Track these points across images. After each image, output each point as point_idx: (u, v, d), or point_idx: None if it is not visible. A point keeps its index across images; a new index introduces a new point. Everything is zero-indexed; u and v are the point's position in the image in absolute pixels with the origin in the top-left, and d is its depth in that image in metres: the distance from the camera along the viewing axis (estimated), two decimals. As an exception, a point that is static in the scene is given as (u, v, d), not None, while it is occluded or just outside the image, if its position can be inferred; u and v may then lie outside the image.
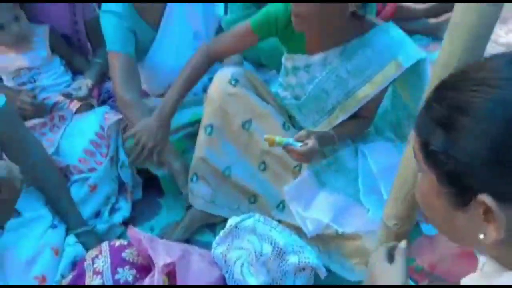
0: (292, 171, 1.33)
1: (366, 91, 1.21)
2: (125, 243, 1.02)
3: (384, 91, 1.23)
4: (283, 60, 1.34)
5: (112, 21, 1.36)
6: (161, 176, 1.44)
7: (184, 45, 1.51)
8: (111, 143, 1.39)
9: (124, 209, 1.38)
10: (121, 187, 1.42)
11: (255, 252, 1.11)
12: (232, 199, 1.36)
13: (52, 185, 1.25)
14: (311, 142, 1.13)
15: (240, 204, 1.36)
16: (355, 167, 1.33)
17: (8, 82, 1.51)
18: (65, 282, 1.01)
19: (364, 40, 1.16)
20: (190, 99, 1.51)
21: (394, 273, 0.74)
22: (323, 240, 1.27)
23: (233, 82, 1.25)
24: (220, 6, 1.69)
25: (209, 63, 1.33)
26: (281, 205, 1.35)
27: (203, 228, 1.38)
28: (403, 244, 0.79)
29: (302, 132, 1.16)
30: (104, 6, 1.39)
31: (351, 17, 1.11)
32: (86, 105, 1.50)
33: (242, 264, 1.11)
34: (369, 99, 1.22)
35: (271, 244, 1.12)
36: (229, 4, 1.97)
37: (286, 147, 1.13)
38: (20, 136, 1.20)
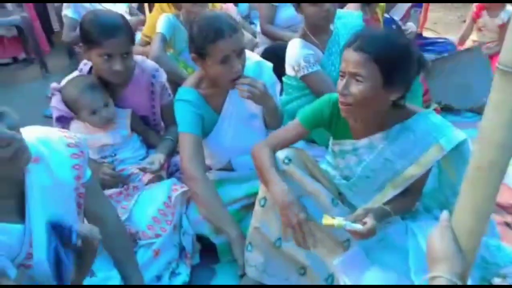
0: (342, 245, 1.40)
1: (413, 171, 1.30)
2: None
3: (429, 170, 1.31)
4: (330, 144, 1.48)
5: (184, 107, 1.60)
6: (218, 243, 1.56)
7: (241, 125, 1.71)
8: (175, 212, 1.55)
9: (184, 274, 1.50)
10: (181, 253, 1.55)
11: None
12: (282, 270, 1.43)
13: (122, 250, 1.37)
14: (370, 221, 1.21)
15: (290, 275, 1.42)
16: (404, 245, 1.37)
17: (92, 155, 1.76)
18: None
19: (406, 125, 1.28)
20: (248, 173, 1.67)
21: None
22: (372, 315, 1.29)
23: (286, 161, 1.37)
24: (275, 87, 1.90)
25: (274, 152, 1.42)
26: (330, 278, 1.40)
27: (255, 296, 1.45)
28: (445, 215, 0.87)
29: (360, 211, 1.25)
30: (179, 95, 1.64)
31: (393, 105, 1.24)
32: (157, 177, 1.70)
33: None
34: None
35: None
36: (284, 86, 2.18)
37: (348, 230, 1.22)
38: (101, 205, 1.35)
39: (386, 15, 2.81)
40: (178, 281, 1.47)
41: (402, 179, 1.31)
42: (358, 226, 1.21)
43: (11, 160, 0.96)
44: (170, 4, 2.65)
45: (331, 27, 2.03)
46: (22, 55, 3.96)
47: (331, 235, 1.38)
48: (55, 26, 4.26)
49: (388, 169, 1.33)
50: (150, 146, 1.87)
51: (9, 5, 3.64)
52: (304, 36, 2.01)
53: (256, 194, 1.46)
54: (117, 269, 1.36)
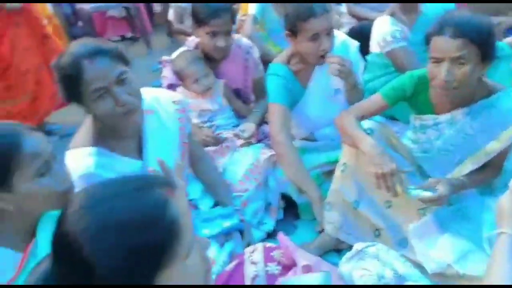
0: (416, 212, 1.49)
1: (494, 146, 1.35)
2: (274, 245, 1.32)
3: (510, 146, 1.34)
4: (411, 119, 1.56)
5: (275, 80, 1.79)
6: (300, 203, 1.75)
7: (326, 99, 1.85)
8: (262, 172, 1.76)
9: (269, 224, 1.72)
10: (268, 207, 1.77)
11: (377, 275, 1.30)
12: (358, 230, 1.57)
13: (217, 179, 1.68)
14: (441, 188, 1.30)
15: (366, 235, 1.56)
16: (479, 217, 1.42)
17: (193, 119, 2.05)
18: (228, 268, 1.35)
19: (489, 102, 1.33)
20: (329, 143, 1.82)
21: None
22: (443, 278, 1.38)
23: (368, 131, 1.48)
24: (359, 65, 1.99)
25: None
26: (404, 242, 1.51)
27: (331, 251, 1.62)
28: None
29: (431, 180, 1.34)
30: (270, 70, 1.83)
31: (479, 81, 1.30)
32: (248, 143, 1.93)
33: (365, 282, 1.31)
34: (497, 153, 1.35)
35: (392, 270, 1.29)
36: (367, 64, 2.26)
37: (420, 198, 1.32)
38: (198, 148, 1.70)
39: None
40: (264, 228, 1.70)
41: (482, 154, 1.37)
42: (426, 194, 1.29)
43: (126, 114, 1.25)
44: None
45: (421, 6, 2.05)
46: (128, 34, 4.47)
47: (409, 202, 1.48)
48: (156, 7, 4.70)
49: (469, 144, 1.39)
50: (239, 116, 2.10)
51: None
52: (392, 14, 2.06)
53: (335, 162, 1.62)
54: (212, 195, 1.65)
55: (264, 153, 1.81)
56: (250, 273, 1.25)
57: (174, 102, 1.52)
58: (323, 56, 1.65)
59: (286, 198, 1.82)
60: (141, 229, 0.61)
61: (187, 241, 0.66)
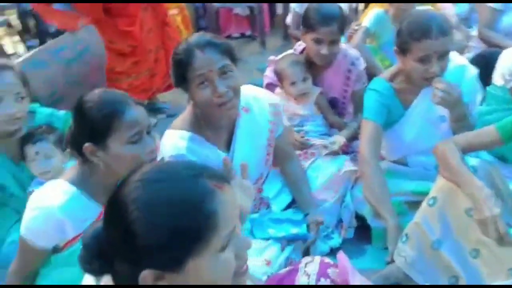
0: (506, 272, 1.30)
1: None
2: (332, 262, 1.28)
3: None
4: None
5: (373, 96, 1.71)
6: (374, 226, 1.65)
7: (427, 125, 1.71)
8: (342, 186, 1.71)
9: (335, 240, 1.66)
10: (339, 223, 1.71)
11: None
12: (432, 271, 1.42)
13: (303, 178, 1.71)
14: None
15: (439, 279, 1.41)
16: None
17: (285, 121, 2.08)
18: (281, 272, 1.35)
19: None
20: (422, 172, 1.69)
21: None
22: None
23: (471, 169, 1.32)
24: (475, 95, 1.80)
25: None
26: (483, 296, 1.33)
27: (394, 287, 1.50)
28: None
29: None
30: (371, 85, 1.76)
31: None
32: (334, 153, 1.89)
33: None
34: None
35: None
36: (487, 96, 2.03)
37: None
38: (289, 147, 1.76)
39: None
40: (330, 243, 1.64)
41: None
42: None
43: (221, 106, 1.34)
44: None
45: None
46: (248, 32, 4.69)
47: (498, 256, 1.30)
48: (278, 10, 4.85)
49: None
50: (331, 125, 2.07)
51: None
52: None
53: (423, 193, 1.48)
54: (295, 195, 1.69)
55: (348, 165, 1.76)
56: (301, 282, 1.23)
57: (270, 104, 1.60)
58: (428, 79, 1.53)
59: (360, 219, 1.73)
60: (182, 213, 0.66)
61: (224, 235, 0.69)
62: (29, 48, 4.07)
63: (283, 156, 1.70)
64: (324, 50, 1.85)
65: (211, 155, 1.43)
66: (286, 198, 1.71)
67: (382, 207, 1.57)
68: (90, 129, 1.17)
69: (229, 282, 0.74)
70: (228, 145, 1.49)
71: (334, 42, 1.86)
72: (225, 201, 0.70)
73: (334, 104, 2.08)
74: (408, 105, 1.72)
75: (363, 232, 1.73)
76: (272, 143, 1.60)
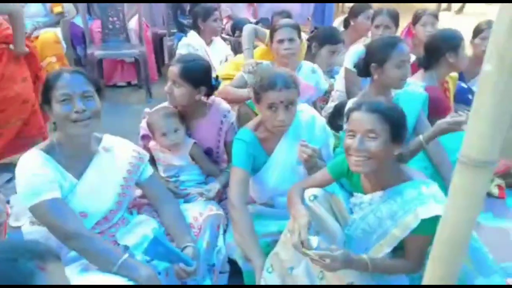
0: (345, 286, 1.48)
1: (396, 233, 1.40)
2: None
3: (424, 240, 1.36)
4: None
5: (240, 145, 1.86)
6: (245, 270, 1.74)
7: (287, 169, 1.91)
8: (207, 229, 1.75)
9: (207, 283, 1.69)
10: (211, 268, 1.74)
11: None
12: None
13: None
14: (333, 256, 1.32)
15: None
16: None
17: (162, 173, 2.11)
18: None
19: (399, 188, 1.42)
20: (285, 211, 1.84)
21: None
22: None
23: (311, 198, 1.57)
24: (327, 140, 2.06)
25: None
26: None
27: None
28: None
29: (332, 247, 1.36)
30: (238, 135, 1.91)
31: (396, 165, 1.42)
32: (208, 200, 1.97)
33: None
34: (400, 241, 1.40)
35: None
36: (341, 140, 2.32)
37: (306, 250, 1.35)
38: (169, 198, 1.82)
39: (462, 84, 2.80)
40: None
41: (388, 239, 1.42)
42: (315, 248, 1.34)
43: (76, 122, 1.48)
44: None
45: (392, 93, 2.15)
46: (135, 81, 4.69)
47: (341, 277, 1.47)
48: (167, 59, 4.96)
49: (379, 227, 1.45)
50: (208, 174, 2.16)
51: (133, 39, 4.40)
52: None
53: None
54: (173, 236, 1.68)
55: (211, 210, 1.83)
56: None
57: (133, 150, 1.72)
58: (279, 126, 1.77)
59: (233, 263, 1.80)
60: None
61: None
62: None
63: (157, 199, 1.76)
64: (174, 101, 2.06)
65: (60, 177, 1.49)
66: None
67: (250, 250, 1.68)
68: None
69: None
70: (80, 175, 1.55)
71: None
72: (49, 280, 0.72)
73: (209, 154, 2.18)
74: (271, 152, 1.90)
75: (235, 276, 1.79)
76: (130, 183, 1.67)
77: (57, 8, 3.89)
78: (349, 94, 2.82)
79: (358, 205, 1.53)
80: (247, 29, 2.89)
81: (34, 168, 1.45)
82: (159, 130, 2.01)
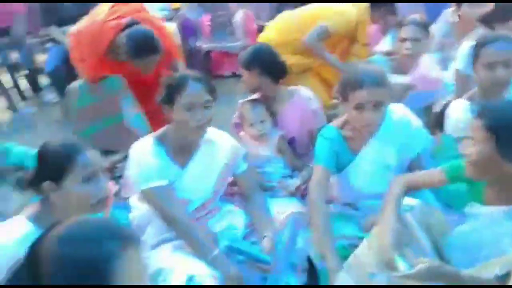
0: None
1: None
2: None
3: None
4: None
5: (323, 143, 1.82)
6: (320, 268, 1.71)
7: (376, 173, 1.81)
8: (287, 227, 1.78)
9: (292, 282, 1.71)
10: (292, 266, 1.75)
11: None
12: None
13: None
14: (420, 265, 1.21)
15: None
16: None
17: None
18: None
19: None
20: (363, 215, 1.78)
21: None
22: None
23: (407, 208, 1.47)
24: (422, 143, 1.89)
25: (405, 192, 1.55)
26: None
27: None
28: None
29: (421, 258, 1.26)
30: (322, 131, 1.87)
31: None
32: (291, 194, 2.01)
33: None
34: None
35: None
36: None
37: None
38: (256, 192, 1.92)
39: None
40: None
41: (504, 260, 1.23)
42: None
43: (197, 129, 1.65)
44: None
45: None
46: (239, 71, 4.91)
47: None
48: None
49: (495, 244, 1.29)
50: (293, 168, 2.17)
51: (239, 32, 4.61)
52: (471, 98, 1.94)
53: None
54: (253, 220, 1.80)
55: (294, 207, 1.85)
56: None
57: (232, 144, 1.84)
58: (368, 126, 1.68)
59: (309, 261, 1.79)
60: (84, 274, 0.77)
61: None
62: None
63: (247, 191, 1.87)
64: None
65: (167, 166, 1.64)
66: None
67: (324, 249, 1.64)
68: (49, 170, 1.31)
69: None
70: (185, 165, 1.70)
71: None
72: (128, 263, 0.80)
73: (293, 145, 2.20)
74: (357, 152, 1.83)
75: (310, 274, 1.78)
76: (226, 176, 1.80)
77: (176, 5, 4.27)
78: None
79: (474, 216, 1.40)
80: None
81: (145, 156, 1.62)
82: (247, 120, 2.09)
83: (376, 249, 1.45)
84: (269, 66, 2.11)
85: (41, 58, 4.73)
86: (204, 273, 1.49)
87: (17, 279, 0.86)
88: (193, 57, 4.48)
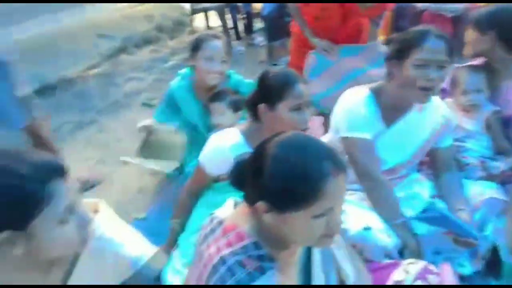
0: None
1: None
2: (435, 271, 1.29)
3: None
4: None
5: None
6: (507, 262, 1.52)
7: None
8: (479, 212, 1.61)
9: (467, 268, 1.60)
10: (473, 252, 1.61)
11: None
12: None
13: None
14: None
15: None
16: None
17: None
18: (384, 263, 1.41)
19: None
20: None
21: None
22: None
23: None
24: None
25: None
26: None
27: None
28: None
29: None
30: None
31: None
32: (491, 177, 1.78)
33: None
34: None
35: None
36: None
37: None
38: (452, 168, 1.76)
39: None
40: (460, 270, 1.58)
41: None
42: None
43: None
44: None
45: None
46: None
47: None
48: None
49: None
50: (499, 151, 1.90)
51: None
52: None
53: None
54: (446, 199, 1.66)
55: (491, 192, 1.64)
56: (397, 277, 1.30)
57: (443, 115, 1.70)
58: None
59: (493, 251, 1.61)
60: (298, 179, 0.88)
61: (324, 208, 0.90)
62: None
63: (443, 167, 1.73)
64: None
65: (374, 121, 1.61)
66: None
67: None
68: (268, 93, 1.52)
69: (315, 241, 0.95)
70: (391, 124, 1.63)
71: None
72: (335, 185, 0.89)
73: (508, 126, 1.91)
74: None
75: (491, 265, 1.61)
76: (429, 146, 1.69)
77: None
78: None
79: None
80: None
81: (357, 105, 1.58)
82: (461, 86, 1.90)
83: None
84: (509, 32, 1.82)
85: (258, 6, 5.24)
86: (381, 228, 1.48)
87: (239, 171, 1.04)
88: (403, 14, 4.21)
